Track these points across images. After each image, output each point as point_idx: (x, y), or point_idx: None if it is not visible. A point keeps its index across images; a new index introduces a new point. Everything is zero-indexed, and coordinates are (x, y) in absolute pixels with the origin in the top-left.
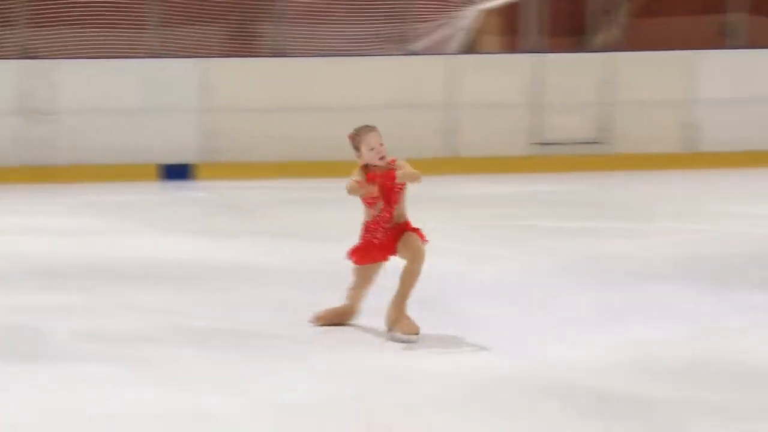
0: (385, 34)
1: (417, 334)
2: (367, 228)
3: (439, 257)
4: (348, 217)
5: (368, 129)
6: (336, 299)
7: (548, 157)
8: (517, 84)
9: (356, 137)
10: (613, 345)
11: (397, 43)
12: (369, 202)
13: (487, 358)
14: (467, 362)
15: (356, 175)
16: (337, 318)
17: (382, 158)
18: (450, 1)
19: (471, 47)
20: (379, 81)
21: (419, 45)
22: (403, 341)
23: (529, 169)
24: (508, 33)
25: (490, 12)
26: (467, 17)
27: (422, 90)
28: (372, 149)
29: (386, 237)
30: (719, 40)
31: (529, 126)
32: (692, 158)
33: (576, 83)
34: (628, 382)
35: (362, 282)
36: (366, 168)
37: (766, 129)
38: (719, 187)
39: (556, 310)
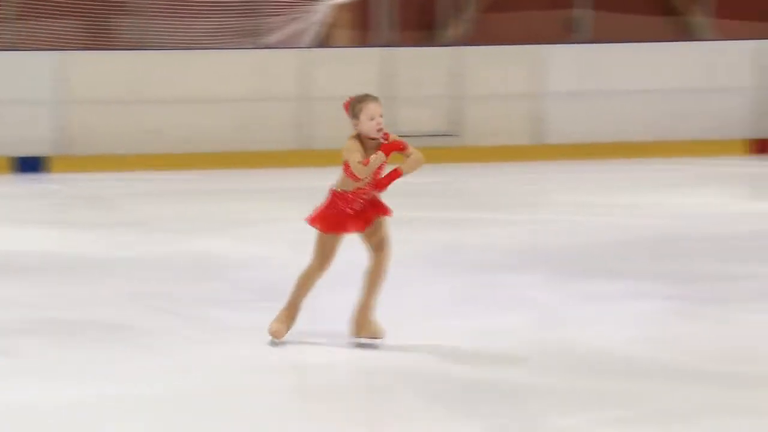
0: (239, 28)
1: (382, 338)
2: (344, 197)
3: (296, 249)
4: (203, 209)
5: (371, 98)
6: (195, 290)
7: None
8: (369, 77)
9: (357, 104)
10: (468, 333)
11: (252, 37)
12: (354, 177)
13: (343, 348)
14: (324, 352)
15: (355, 150)
16: (291, 320)
17: (380, 130)
18: None
19: (323, 41)
20: (233, 74)
21: (273, 39)
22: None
23: None
24: (359, 27)
25: (342, 6)
26: (319, 12)
27: (276, 83)
28: (372, 119)
29: (362, 209)
30: (565, 34)
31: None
32: (540, 150)
33: (426, 76)
34: (482, 370)
35: (324, 256)
36: (359, 138)
37: (610, 121)
38: (566, 178)
39: (412, 299)
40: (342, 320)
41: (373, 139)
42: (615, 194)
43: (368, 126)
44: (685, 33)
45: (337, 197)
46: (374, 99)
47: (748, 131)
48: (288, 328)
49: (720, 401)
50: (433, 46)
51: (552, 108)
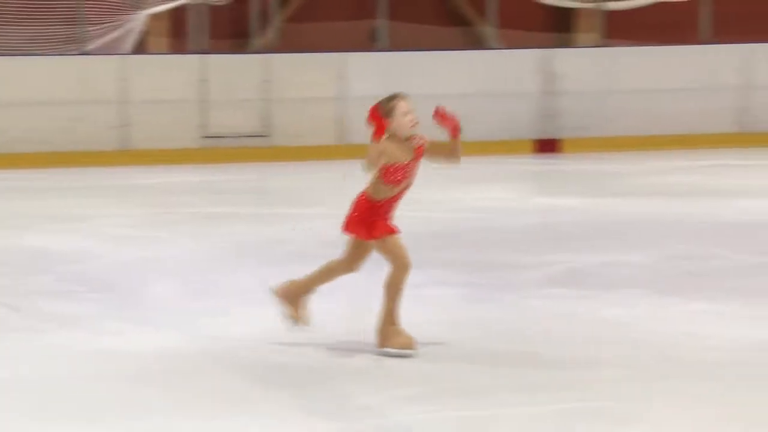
0: (62, 35)
1: (413, 348)
2: (382, 204)
3: (119, 243)
4: (31, 206)
5: (401, 96)
6: (24, 283)
7: (216, 149)
8: (185, 82)
9: (387, 103)
10: (278, 320)
11: (74, 44)
12: (396, 180)
13: (163, 336)
14: (146, 340)
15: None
16: (300, 299)
17: (414, 126)
18: (121, 6)
19: (141, 48)
20: (58, 78)
21: (94, 46)
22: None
23: (199, 160)
24: (176, 35)
25: (158, 16)
26: (137, 21)
27: (97, 87)
28: (406, 114)
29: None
30: (366, 43)
31: (198, 121)
32: (344, 149)
33: (239, 81)
34: (292, 353)
35: (354, 259)
36: (394, 139)
37: None
38: (366, 176)
39: (227, 289)
40: (168, 308)
41: (407, 137)
42: (416, 191)
43: (402, 122)
44: (475, 42)
45: (370, 204)
46: (404, 97)
47: (533, 132)
48: (298, 310)
49: (508, 379)
50: (244, 53)
51: (355, 111)
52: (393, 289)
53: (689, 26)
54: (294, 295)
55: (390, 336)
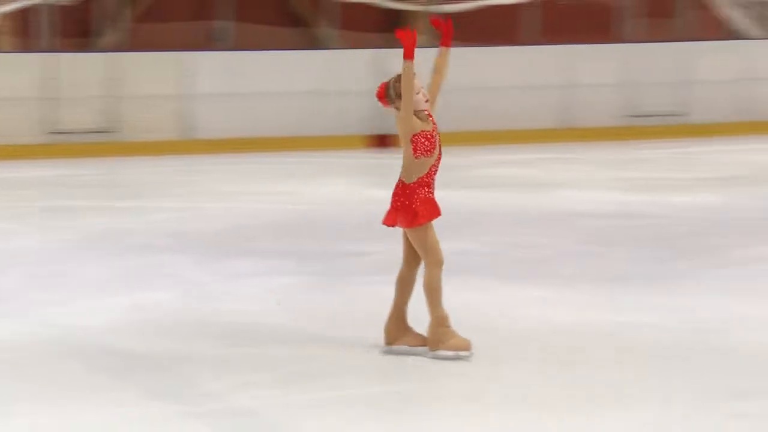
0: None
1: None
2: (421, 183)
3: None
4: None
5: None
6: None
7: (63, 145)
8: (31, 80)
9: (397, 83)
10: (124, 309)
11: None
12: (427, 150)
13: (10, 326)
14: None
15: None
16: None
17: (427, 101)
18: None
19: None
20: None
21: None
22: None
23: (45, 155)
24: (21, 34)
25: (4, 15)
26: None
27: None
28: (418, 92)
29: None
30: (211, 42)
31: (45, 118)
32: (188, 145)
33: (85, 79)
34: (139, 341)
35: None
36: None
37: (250, 119)
38: (211, 169)
39: (74, 280)
40: (15, 299)
41: (422, 110)
42: (256, 183)
43: (417, 98)
44: (314, 43)
45: (418, 185)
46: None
47: (366, 128)
48: (413, 338)
49: (342, 362)
50: (91, 51)
51: (200, 107)
52: (433, 290)
53: (515, 28)
54: (398, 332)
55: (443, 338)
